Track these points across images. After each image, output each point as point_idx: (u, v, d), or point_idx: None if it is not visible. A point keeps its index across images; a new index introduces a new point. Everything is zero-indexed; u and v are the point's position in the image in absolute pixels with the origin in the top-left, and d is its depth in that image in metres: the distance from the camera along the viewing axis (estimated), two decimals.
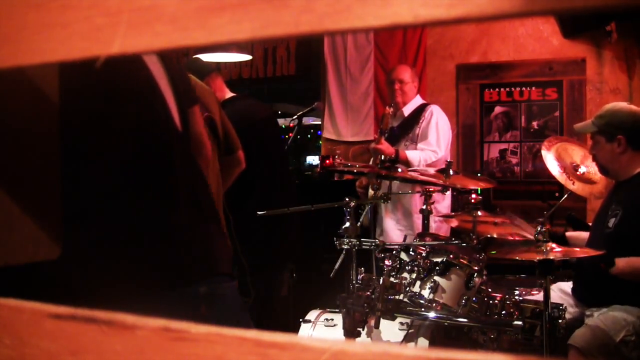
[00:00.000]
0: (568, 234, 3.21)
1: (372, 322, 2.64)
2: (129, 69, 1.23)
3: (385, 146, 3.79)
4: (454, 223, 3.38)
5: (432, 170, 3.68)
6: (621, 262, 2.62)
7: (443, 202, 4.04)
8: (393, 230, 4.05)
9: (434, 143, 3.94)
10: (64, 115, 1.08)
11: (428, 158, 3.86)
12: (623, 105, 3.00)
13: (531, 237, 2.97)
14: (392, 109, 3.90)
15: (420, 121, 4.05)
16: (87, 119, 1.13)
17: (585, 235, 3.08)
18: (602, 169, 2.96)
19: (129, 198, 1.16)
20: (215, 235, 1.29)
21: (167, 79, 1.35)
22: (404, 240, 3.49)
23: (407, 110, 4.15)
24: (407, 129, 4.11)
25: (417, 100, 4.19)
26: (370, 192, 3.79)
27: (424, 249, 2.83)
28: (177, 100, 1.36)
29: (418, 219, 4.02)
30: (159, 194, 1.21)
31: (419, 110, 4.11)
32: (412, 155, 3.85)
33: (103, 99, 1.17)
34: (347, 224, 2.88)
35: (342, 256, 2.96)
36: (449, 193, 3.83)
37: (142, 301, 1.02)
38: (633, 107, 2.95)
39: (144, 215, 1.17)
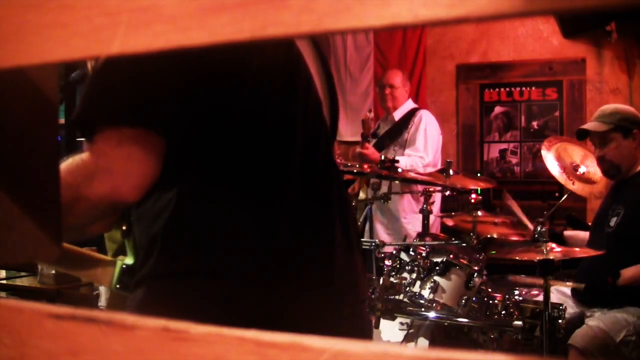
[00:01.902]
0: (566, 233, 3.21)
1: (372, 322, 2.64)
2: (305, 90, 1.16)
3: (370, 151, 3.77)
4: (450, 222, 3.38)
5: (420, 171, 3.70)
6: (628, 272, 2.61)
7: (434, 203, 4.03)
8: (381, 233, 4.05)
9: (422, 149, 3.92)
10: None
11: (415, 164, 3.84)
12: (623, 105, 3.03)
13: (524, 220, 2.97)
14: (372, 114, 3.88)
15: (410, 126, 4.04)
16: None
17: (583, 234, 3.08)
18: (614, 170, 2.89)
19: (296, 232, 1.10)
20: (359, 264, 1.26)
21: (326, 85, 1.27)
22: (404, 240, 3.49)
23: (397, 115, 4.13)
24: (396, 134, 4.10)
25: (408, 105, 4.18)
26: (361, 194, 3.79)
27: (424, 249, 2.83)
28: (331, 107, 1.28)
29: (406, 223, 4.03)
30: (323, 229, 1.15)
31: (409, 116, 4.10)
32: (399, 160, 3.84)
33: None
34: None
35: None
36: (439, 193, 3.82)
37: (299, 320, 1.03)
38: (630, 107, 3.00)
39: (311, 247, 1.13)
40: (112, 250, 1.22)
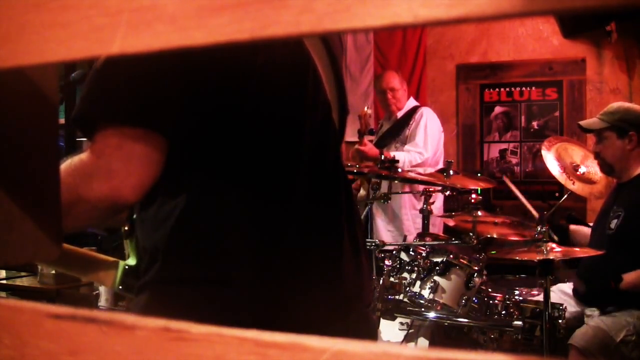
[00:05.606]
0: (572, 227, 3.19)
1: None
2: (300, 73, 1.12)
3: (368, 147, 3.77)
4: (451, 222, 3.38)
5: (420, 170, 3.70)
6: (630, 276, 2.62)
7: (435, 203, 4.04)
8: (383, 231, 4.05)
9: (421, 144, 3.93)
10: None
11: (413, 159, 3.85)
12: (632, 104, 3.03)
13: (526, 204, 2.97)
14: (370, 111, 3.87)
15: (410, 123, 4.06)
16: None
17: (587, 229, 3.08)
18: (607, 167, 2.94)
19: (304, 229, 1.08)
20: (366, 268, 1.23)
21: (335, 87, 1.22)
22: (404, 240, 3.49)
23: (400, 114, 4.16)
24: (397, 131, 4.12)
25: (410, 103, 4.20)
26: (362, 192, 3.78)
27: (424, 249, 2.83)
28: (340, 110, 1.24)
29: (407, 220, 4.03)
30: (330, 233, 1.13)
31: (410, 113, 4.12)
32: (397, 156, 3.83)
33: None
34: None
35: None
36: (440, 193, 3.82)
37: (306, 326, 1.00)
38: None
39: (319, 251, 1.10)
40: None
